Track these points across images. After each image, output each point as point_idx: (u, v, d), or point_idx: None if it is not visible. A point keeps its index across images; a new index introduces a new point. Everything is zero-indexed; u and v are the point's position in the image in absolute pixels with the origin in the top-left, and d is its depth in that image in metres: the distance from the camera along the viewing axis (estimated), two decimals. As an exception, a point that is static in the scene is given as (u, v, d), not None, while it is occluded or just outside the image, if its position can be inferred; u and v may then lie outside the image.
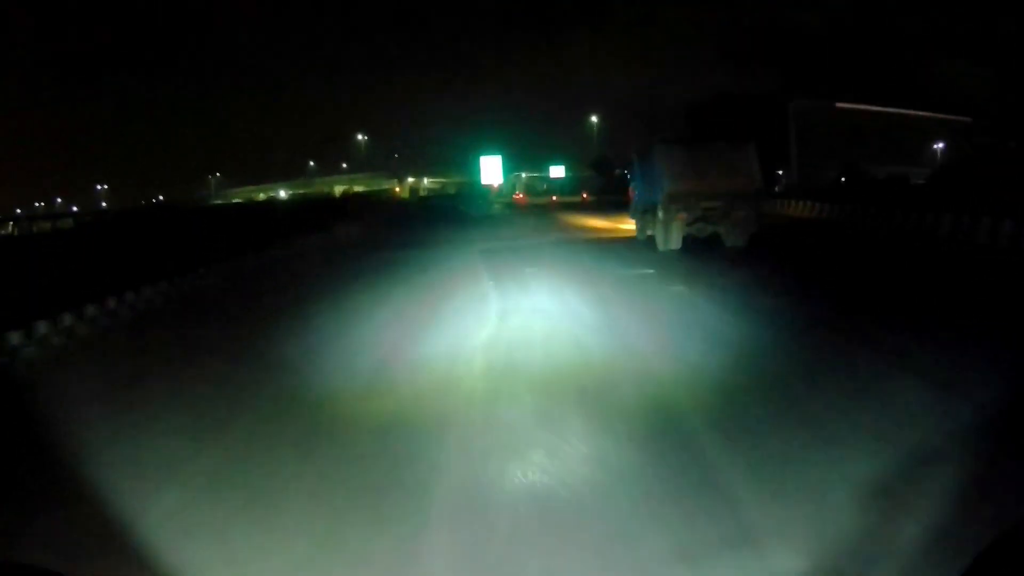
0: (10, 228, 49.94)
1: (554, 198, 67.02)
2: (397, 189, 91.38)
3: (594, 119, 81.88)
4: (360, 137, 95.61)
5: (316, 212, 40.81)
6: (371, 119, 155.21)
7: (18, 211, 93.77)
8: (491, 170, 76.82)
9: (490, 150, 75.42)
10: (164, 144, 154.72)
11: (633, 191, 23.95)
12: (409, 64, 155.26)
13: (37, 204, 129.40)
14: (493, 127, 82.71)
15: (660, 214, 19.44)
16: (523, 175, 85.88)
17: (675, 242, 19.33)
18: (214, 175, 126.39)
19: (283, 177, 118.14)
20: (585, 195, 66.51)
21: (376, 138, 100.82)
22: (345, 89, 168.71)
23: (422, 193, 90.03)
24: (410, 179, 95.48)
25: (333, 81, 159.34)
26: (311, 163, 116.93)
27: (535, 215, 44.49)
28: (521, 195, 75.40)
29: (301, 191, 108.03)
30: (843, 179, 47.03)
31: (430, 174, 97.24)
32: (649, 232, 21.44)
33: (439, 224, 35.37)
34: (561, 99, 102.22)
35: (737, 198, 19.37)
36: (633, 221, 24.05)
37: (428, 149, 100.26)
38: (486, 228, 33.08)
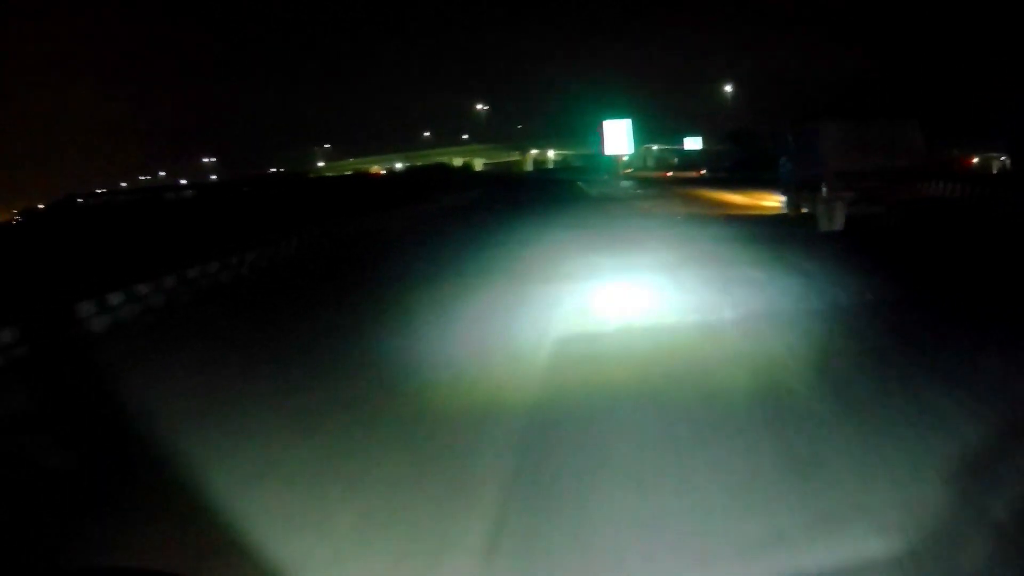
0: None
1: (702, 171, 64.56)
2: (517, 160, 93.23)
3: (728, 88, 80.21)
4: (480, 107, 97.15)
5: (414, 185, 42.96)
6: (494, 88, 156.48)
7: (122, 184, 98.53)
8: (616, 138, 70.37)
9: (615, 116, 70.37)
10: (275, 115, 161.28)
11: (784, 166, 23.95)
12: (534, 30, 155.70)
13: (143, 178, 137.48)
14: (621, 95, 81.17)
15: (824, 192, 19.47)
16: (654, 147, 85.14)
17: (839, 222, 19.31)
18: (322, 146, 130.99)
19: (398, 148, 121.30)
20: (701, 171, 63.67)
21: (498, 108, 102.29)
22: (466, 57, 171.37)
23: (550, 165, 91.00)
24: (533, 151, 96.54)
25: (453, 48, 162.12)
26: (426, 134, 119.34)
27: (666, 191, 42.98)
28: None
29: (419, 163, 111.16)
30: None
31: (555, 145, 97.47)
32: (804, 209, 21.50)
33: (531, 210, 30.79)
34: (696, 67, 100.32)
35: (901, 177, 19.21)
36: (781, 198, 24.17)
37: (553, 119, 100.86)
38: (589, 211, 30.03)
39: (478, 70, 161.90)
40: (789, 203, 23.32)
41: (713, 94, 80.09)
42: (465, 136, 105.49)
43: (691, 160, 73.66)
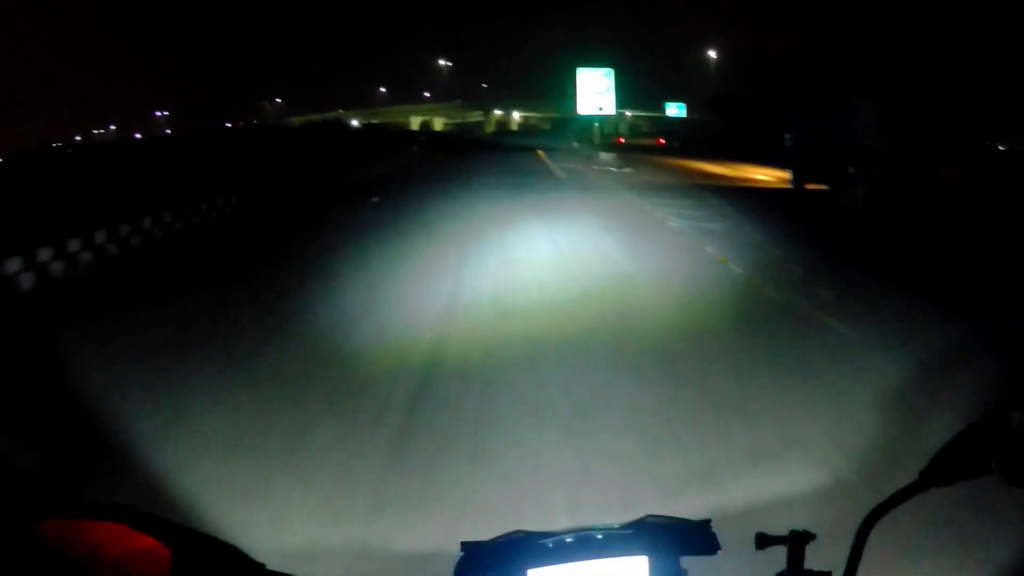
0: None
1: (660, 140, 63.12)
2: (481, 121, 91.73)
3: (712, 55, 79.12)
4: (442, 63, 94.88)
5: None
6: (458, 43, 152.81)
7: (77, 139, 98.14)
8: (594, 93, 60.61)
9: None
10: (225, 68, 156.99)
11: (792, 141, 23.90)
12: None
13: (96, 132, 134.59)
14: (597, 53, 79.00)
15: (850, 171, 19.32)
16: (627, 113, 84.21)
17: (860, 201, 19.16)
18: (271, 101, 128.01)
19: (352, 104, 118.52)
20: (660, 140, 62.13)
21: (463, 64, 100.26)
22: (429, 7, 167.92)
23: (513, 127, 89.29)
24: (497, 112, 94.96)
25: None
26: (382, 89, 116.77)
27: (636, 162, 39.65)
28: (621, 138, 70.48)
29: (375, 120, 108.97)
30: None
31: (522, 107, 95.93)
32: (813, 186, 21.51)
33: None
34: (680, 30, 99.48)
35: (931, 159, 19.17)
36: (788, 173, 24.22)
37: (521, 78, 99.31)
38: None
39: (441, 23, 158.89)
40: (796, 179, 23.26)
41: (697, 61, 79.32)
42: (427, 94, 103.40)
43: (671, 129, 71.68)
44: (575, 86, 61.31)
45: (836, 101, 21.68)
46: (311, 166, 30.74)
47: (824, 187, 21.09)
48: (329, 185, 27.53)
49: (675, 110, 75.09)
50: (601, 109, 63.10)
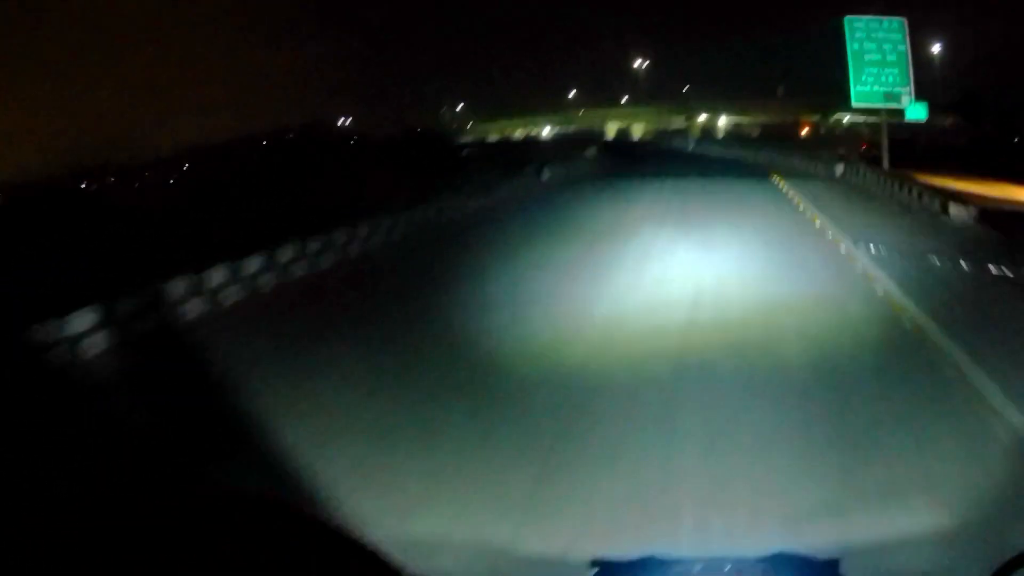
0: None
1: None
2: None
3: (935, 49, 71.03)
4: (640, 63, 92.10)
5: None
6: (655, 40, 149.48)
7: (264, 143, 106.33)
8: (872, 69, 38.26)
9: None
10: (403, 69, 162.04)
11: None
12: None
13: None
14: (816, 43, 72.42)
15: None
16: (845, 117, 78.61)
17: None
18: (452, 108, 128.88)
19: (544, 109, 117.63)
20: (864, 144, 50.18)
21: (662, 64, 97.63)
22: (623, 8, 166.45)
23: (719, 135, 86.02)
24: (702, 115, 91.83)
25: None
26: (572, 92, 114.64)
27: None
28: None
29: (571, 127, 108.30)
30: None
31: (730, 109, 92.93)
32: None
33: None
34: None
35: None
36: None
37: (730, 78, 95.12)
38: None
39: (638, 16, 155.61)
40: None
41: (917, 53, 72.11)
42: (626, 98, 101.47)
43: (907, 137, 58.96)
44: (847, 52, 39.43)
45: None
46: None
47: None
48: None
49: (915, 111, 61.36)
50: (890, 99, 39.96)
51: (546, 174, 40.33)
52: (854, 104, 41.71)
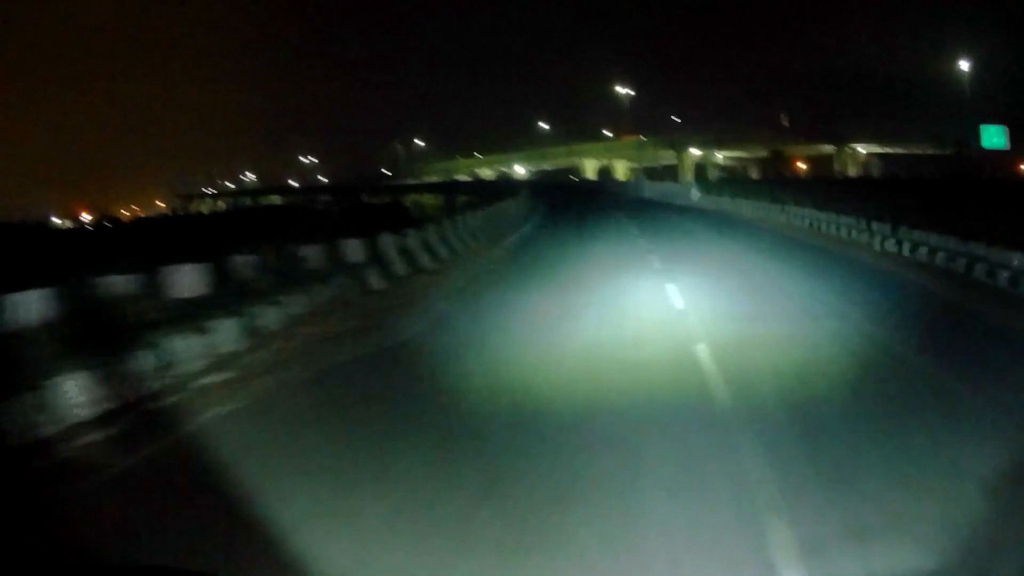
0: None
1: None
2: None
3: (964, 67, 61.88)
4: (622, 91, 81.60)
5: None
6: (640, 68, 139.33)
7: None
8: None
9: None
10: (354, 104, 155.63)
11: None
12: None
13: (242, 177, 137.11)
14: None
15: None
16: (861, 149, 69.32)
17: None
18: (407, 147, 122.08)
19: (512, 146, 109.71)
20: None
21: (647, 92, 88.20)
22: (604, 23, 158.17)
23: (711, 175, 76.01)
24: (694, 150, 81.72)
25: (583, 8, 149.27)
26: (540, 124, 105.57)
27: None
28: None
29: (546, 167, 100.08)
30: None
31: (726, 145, 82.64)
32: None
33: None
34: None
35: None
36: None
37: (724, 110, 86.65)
38: None
39: (618, 43, 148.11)
40: None
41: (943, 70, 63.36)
42: (606, 132, 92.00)
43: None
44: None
45: None
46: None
47: None
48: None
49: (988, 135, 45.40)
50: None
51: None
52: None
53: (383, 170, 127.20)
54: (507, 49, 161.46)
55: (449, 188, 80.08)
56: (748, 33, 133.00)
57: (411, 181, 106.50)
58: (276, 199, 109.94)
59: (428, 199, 71.94)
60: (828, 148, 70.99)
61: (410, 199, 73.01)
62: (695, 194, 54.08)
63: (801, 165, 72.13)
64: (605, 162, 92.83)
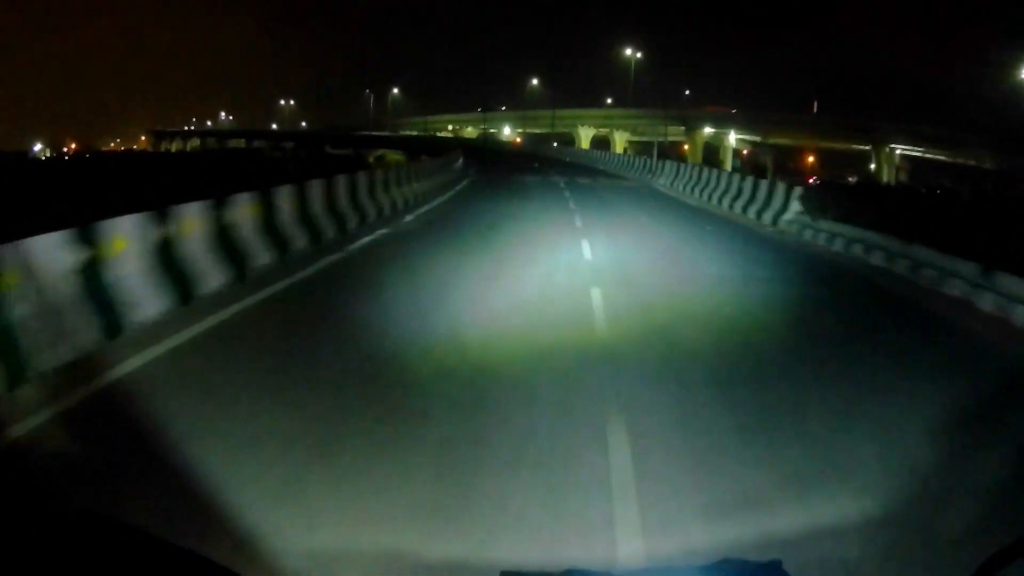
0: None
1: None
2: (686, 146, 68.98)
3: None
4: (631, 53, 71.76)
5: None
6: (648, 33, 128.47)
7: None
8: None
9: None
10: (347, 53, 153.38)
11: None
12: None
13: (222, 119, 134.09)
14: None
15: None
16: (896, 150, 59.90)
17: None
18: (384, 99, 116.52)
19: (495, 103, 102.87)
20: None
21: (654, 59, 78.25)
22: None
23: (725, 157, 66.24)
24: (708, 129, 71.68)
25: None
26: (533, 82, 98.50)
27: None
28: None
29: (537, 131, 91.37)
30: None
31: (745, 126, 70.73)
32: None
33: None
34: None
35: None
36: None
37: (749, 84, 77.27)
38: None
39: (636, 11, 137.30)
40: None
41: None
42: (609, 101, 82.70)
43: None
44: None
45: None
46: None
47: None
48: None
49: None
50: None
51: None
52: None
53: (363, 122, 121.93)
54: None
55: (417, 144, 72.20)
56: (782, 18, 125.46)
57: (387, 134, 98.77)
58: (241, 143, 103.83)
59: (394, 156, 63.15)
60: (862, 146, 62.02)
61: (376, 153, 65.11)
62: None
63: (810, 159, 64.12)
64: (604, 132, 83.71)
